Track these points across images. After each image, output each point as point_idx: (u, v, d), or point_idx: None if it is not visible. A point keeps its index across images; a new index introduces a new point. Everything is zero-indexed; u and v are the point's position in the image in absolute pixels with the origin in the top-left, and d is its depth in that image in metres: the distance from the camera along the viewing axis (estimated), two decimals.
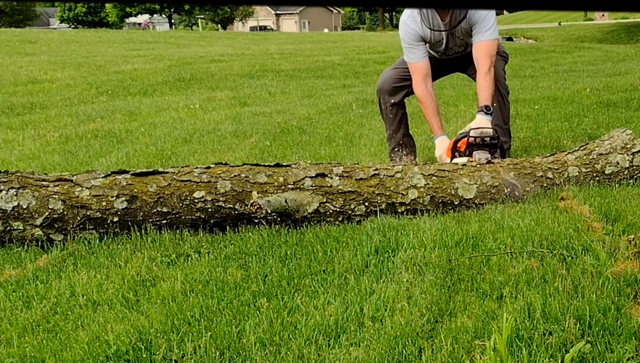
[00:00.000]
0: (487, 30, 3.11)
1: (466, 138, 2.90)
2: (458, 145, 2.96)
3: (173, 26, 59.47)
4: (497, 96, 3.27)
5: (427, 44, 3.27)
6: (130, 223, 2.36)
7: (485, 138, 2.88)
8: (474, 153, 2.88)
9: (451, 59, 3.43)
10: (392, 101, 3.43)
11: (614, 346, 1.49)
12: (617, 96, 6.01)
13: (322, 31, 46.65)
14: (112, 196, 2.35)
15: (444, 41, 3.28)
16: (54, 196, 2.31)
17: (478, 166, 2.71)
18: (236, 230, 2.42)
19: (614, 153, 2.79)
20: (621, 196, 2.57)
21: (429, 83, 3.23)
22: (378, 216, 2.49)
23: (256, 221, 2.43)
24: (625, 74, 8.58)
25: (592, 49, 14.98)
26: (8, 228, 2.27)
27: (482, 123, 2.95)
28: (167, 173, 2.46)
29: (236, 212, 2.42)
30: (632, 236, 2.10)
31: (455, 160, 2.94)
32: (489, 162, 2.75)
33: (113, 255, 2.20)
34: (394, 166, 2.69)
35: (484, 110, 2.99)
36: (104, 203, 2.34)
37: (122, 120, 6.16)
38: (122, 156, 4.19)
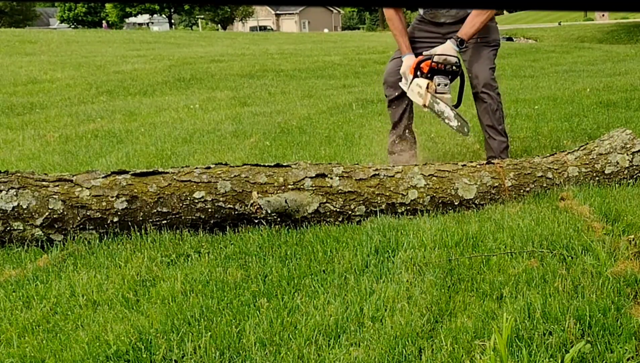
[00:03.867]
0: None
1: (429, 61, 2.97)
2: (421, 65, 3.01)
3: (173, 26, 59.47)
4: (485, 96, 3.29)
5: None
6: (130, 223, 2.36)
7: (447, 65, 2.96)
8: (435, 77, 2.96)
9: (441, 25, 3.31)
10: (396, 93, 3.42)
11: (614, 346, 1.49)
12: (617, 96, 6.01)
13: (322, 31, 46.66)
14: (112, 197, 2.35)
15: None
16: (54, 196, 2.31)
17: (478, 166, 2.71)
18: (236, 230, 2.42)
19: (613, 153, 2.79)
20: (621, 196, 2.57)
21: (399, 11, 3.29)
22: (378, 217, 2.49)
23: (256, 221, 2.43)
24: (625, 74, 8.58)
25: (592, 49, 14.98)
26: (8, 228, 2.27)
27: (448, 50, 3.00)
28: (167, 173, 2.46)
29: (236, 212, 2.42)
30: (632, 236, 2.10)
31: (416, 80, 3.03)
32: (489, 162, 2.75)
33: (113, 255, 2.20)
34: (393, 166, 2.69)
35: (456, 40, 3.03)
36: (104, 203, 2.34)
37: (122, 120, 6.16)
38: (122, 156, 4.19)
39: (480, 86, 3.29)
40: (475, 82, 3.29)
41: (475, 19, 3.07)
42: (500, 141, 3.35)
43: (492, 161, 2.78)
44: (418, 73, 3.04)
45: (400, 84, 3.23)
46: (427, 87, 2.96)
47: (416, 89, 3.04)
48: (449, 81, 2.98)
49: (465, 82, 3.20)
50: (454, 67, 2.98)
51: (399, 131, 3.49)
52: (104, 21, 54.27)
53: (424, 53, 3.06)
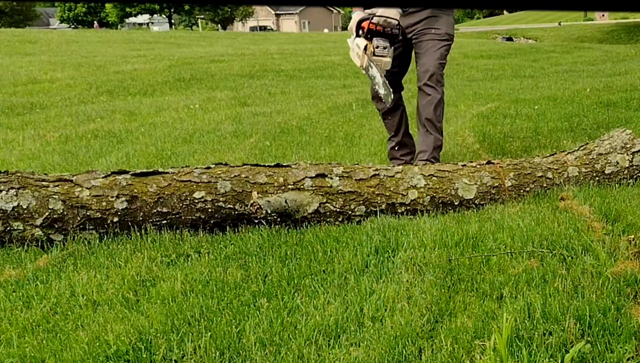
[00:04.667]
0: None
1: (368, 21, 2.86)
2: (362, 25, 2.91)
3: (173, 26, 59.47)
4: (429, 90, 3.17)
5: None
6: (130, 223, 2.36)
7: (387, 28, 2.85)
8: (374, 39, 2.86)
9: (407, 25, 3.24)
10: (386, 107, 3.35)
11: (614, 346, 1.49)
12: (617, 96, 6.02)
13: (322, 31, 46.66)
14: (112, 197, 2.35)
15: None
16: (54, 196, 2.31)
17: (478, 166, 2.71)
18: (236, 230, 2.42)
19: (613, 153, 2.79)
20: (621, 196, 2.57)
21: None
22: (378, 217, 2.49)
23: (256, 221, 2.43)
24: (625, 74, 8.58)
25: (592, 49, 14.98)
26: (8, 228, 2.27)
27: (389, 12, 2.89)
28: (167, 173, 2.46)
29: (236, 212, 2.42)
30: (632, 236, 2.10)
31: (356, 39, 2.93)
32: (489, 162, 2.75)
33: (113, 255, 2.20)
34: (393, 166, 2.69)
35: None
36: (104, 203, 2.34)
37: (122, 120, 6.16)
38: (122, 156, 4.19)
39: (426, 79, 3.17)
40: (422, 75, 3.18)
41: None
42: (436, 138, 3.24)
43: (493, 161, 2.78)
44: (360, 32, 2.92)
45: (348, 40, 3.13)
46: (365, 49, 2.86)
47: (355, 50, 2.94)
48: (388, 44, 2.87)
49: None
50: (393, 30, 2.86)
51: (398, 138, 3.45)
52: (95, 21, 54.28)
53: (366, 11, 2.94)
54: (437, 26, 3.18)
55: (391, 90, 2.87)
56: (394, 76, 3.23)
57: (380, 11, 2.87)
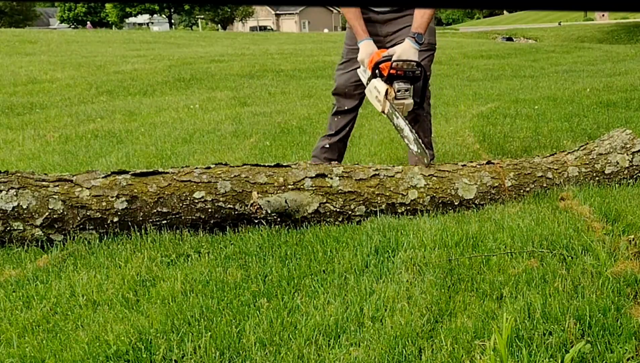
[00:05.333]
0: None
1: (389, 63, 2.73)
2: (381, 66, 2.78)
3: (173, 26, 59.48)
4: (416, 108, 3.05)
5: None
6: (130, 223, 2.36)
7: (408, 71, 2.73)
8: (395, 82, 2.74)
9: (385, 24, 3.08)
10: (346, 107, 3.23)
11: (614, 346, 1.49)
12: (617, 96, 6.02)
13: (322, 31, 46.65)
14: (112, 197, 2.35)
15: None
16: (54, 196, 2.31)
17: (478, 166, 2.71)
18: (236, 230, 2.43)
19: (613, 153, 2.79)
20: (621, 196, 2.57)
21: None
22: (378, 217, 2.49)
23: (256, 221, 2.43)
24: (625, 74, 8.59)
25: (592, 49, 14.99)
26: (8, 228, 2.27)
27: (407, 51, 2.77)
28: (167, 173, 2.46)
29: (236, 212, 2.42)
30: (632, 236, 2.10)
31: (374, 81, 2.80)
32: (489, 162, 2.75)
33: (113, 255, 2.20)
34: (393, 166, 2.69)
35: (415, 38, 2.79)
36: (104, 203, 2.34)
37: (122, 120, 6.16)
38: (122, 156, 4.19)
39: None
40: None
41: (421, 12, 2.84)
42: (430, 155, 3.09)
43: (493, 161, 2.78)
44: (377, 72, 2.80)
45: (358, 71, 3.02)
46: (386, 94, 2.74)
47: (374, 93, 2.81)
48: (409, 86, 2.76)
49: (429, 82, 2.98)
50: (415, 72, 2.74)
51: (334, 139, 3.28)
52: (88, 22, 54.32)
53: (383, 54, 2.82)
54: None
55: (426, 150, 2.69)
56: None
57: (398, 53, 2.76)
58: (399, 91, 2.72)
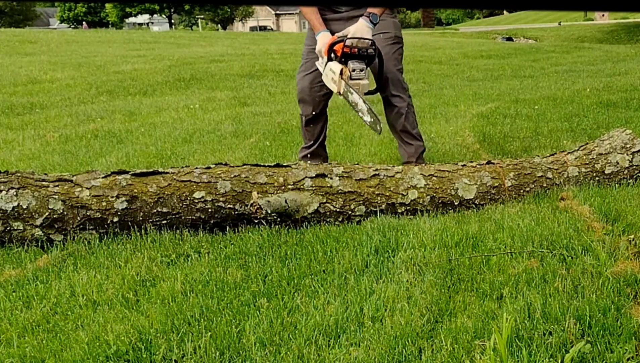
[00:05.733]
0: None
1: (342, 43, 2.70)
2: (335, 48, 2.75)
3: (173, 26, 59.48)
4: (395, 100, 3.08)
5: None
6: (130, 223, 2.36)
7: (362, 49, 2.69)
8: (349, 62, 2.70)
9: (349, 20, 3.03)
10: (313, 112, 3.20)
11: (614, 346, 1.49)
12: (617, 96, 6.02)
13: None
14: (112, 197, 2.35)
15: None
16: (54, 196, 2.31)
17: (478, 166, 2.71)
18: (236, 230, 2.43)
19: (613, 153, 2.79)
20: (621, 196, 2.57)
21: None
22: (378, 217, 2.49)
23: (256, 221, 2.43)
24: (625, 74, 8.59)
25: (592, 49, 14.99)
26: (8, 228, 2.27)
27: (362, 31, 2.75)
28: (167, 173, 2.46)
29: (236, 212, 2.42)
30: (632, 236, 2.10)
31: (330, 64, 2.77)
32: (489, 162, 2.75)
33: (113, 255, 2.20)
34: (393, 166, 2.69)
35: (370, 17, 2.78)
36: (104, 203, 2.34)
37: (122, 120, 6.16)
38: (122, 156, 4.19)
39: (389, 88, 3.07)
40: (381, 83, 3.05)
41: None
42: (417, 146, 3.15)
43: (493, 161, 2.78)
44: (332, 55, 2.76)
45: (316, 63, 3.00)
46: (341, 74, 2.70)
47: (330, 75, 2.78)
48: (364, 66, 2.72)
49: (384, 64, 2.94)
50: (369, 50, 2.71)
51: (314, 148, 3.27)
52: (84, 21, 54.35)
53: (337, 34, 2.81)
54: (385, 30, 3.05)
55: (379, 118, 2.69)
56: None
57: (352, 32, 2.75)
58: (353, 70, 2.69)
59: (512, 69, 10.63)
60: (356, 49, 2.69)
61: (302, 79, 3.19)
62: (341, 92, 2.75)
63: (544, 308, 1.65)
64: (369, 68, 2.79)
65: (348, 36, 2.73)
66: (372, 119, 2.69)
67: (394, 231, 2.28)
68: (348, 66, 2.70)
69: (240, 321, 1.70)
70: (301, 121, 3.30)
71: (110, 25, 53.98)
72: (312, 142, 3.28)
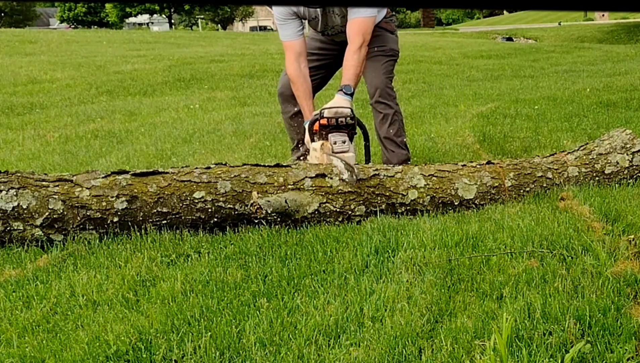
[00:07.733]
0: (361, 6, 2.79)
1: (318, 121, 2.67)
2: (314, 127, 2.71)
3: (173, 26, 59.48)
4: (381, 106, 3.08)
5: (304, 20, 3.02)
6: (130, 223, 2.36)
7: (340, 119, 2.66)
8: (330, 135, 2.66)
9: (340, 43, 3.10)
10: (295, 109, 3.18)
11: (614, 346, 1.49)
12: (617, 96, 6.02)
13: None
14: (112, 197, 2.35)
15: (320, 18, 3.02)
16: (54, 196, 2.31)
17: (478, 166, 2.71)
18: (236, 230, 2.42)
19: (613, 153, 2.79)
20: (621, 196, 2.57)
21: (302, 63, 2.99)
22: (378, 217, 2.49)
23: (256, 221, 2.43)
24: (625, 74, 8.59)
25: (592, 49, 14.99)
26: (8, 228, 2.27)
27: (338, 103, 2.73)
28: (167, 173, 2.46)
29: (236, 212, 2.42)
30: (632, 236, 2.10)
31: (312, 144, 2.73)
32: (489, 162, 2.75)
33: (113, 255, 2.20)
34: (393, 166, 2.69)
35: (344, 90, 2.77)
36: (104, 203, 2.34)
37: (122, 120, 6.16)
38: (122, 156, 4.19)
39: (376, 96, 3.07)
40: (371, 93, 3.07)
41: (351, 60, 2.83)
42: (400, 154, 3.13)
43: (493, 161, 2.78)
44: (315, 138, 2.72)
45: (308, 157, 2.93)
46: (322, 148, 2.65)
47: (313, 154, 2.73)
48: (346, 138, 2.67)
49: (370, 137, 2.93)
50: (347, 119, 2.67)
51: (305, 149, 3.17)
52: (65, 23, 54.41)
53: (314, 113, 2.78)
54: (380, 43, 3.07)
55: (353, 168, 2.52)
56: (315, 83, 3.14)
57: (328, 105, 2.72)
58: (335, 143, 2.64)
59: (512, 69, 10.63)
60: (334, 120, 2.66)
61: (284, 76, 3.24)
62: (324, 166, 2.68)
63: (544, 308, 1.65)
64: (353, 141, 2.75)
65: (324, 107, 2.72)
66: (351, 178, 2.54)
67: (394, 231, 2.28)
68: (329, 139, 2.66)
69: (240, 321, 1.70)
70: (284, 121, 3.31)
71: (105, 26, 53.94)
72: (299, 138, 3.26)
